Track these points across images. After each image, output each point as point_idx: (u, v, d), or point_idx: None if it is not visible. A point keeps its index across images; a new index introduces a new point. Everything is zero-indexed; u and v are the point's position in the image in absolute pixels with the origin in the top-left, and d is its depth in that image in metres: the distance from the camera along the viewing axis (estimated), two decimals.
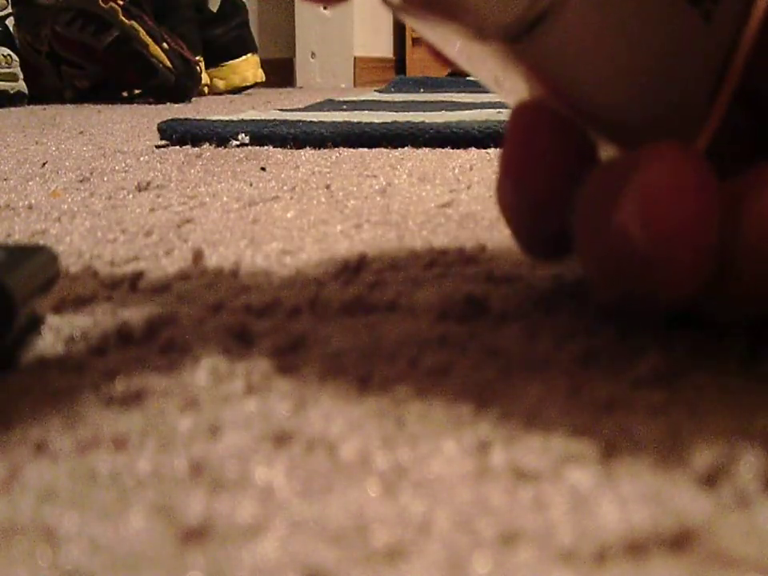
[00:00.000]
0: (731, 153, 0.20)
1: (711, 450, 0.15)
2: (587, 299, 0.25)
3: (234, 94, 1.95)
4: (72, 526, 0.13)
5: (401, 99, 1.31)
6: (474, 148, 0.64)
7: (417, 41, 2.59)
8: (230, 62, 1.98)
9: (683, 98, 0.20)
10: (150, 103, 1.48)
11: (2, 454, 0.16)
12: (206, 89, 1.84)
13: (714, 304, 0.20)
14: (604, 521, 0.13)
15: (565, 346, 0.21)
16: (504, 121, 0.22)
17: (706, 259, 0.18)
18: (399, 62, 2.72)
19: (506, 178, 0.22)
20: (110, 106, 1.41)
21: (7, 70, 1.46)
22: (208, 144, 0.68)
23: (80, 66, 1.58)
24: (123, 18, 1.52)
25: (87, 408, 0.18)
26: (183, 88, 1.53)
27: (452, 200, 0.42)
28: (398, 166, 0.55)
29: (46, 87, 1.58)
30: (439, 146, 0.65)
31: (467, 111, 0.87)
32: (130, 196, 0.46)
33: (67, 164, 0.60)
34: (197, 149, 0.66)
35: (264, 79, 2.05)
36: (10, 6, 1.57)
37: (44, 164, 0.60)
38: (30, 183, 0.51)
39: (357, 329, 0.23)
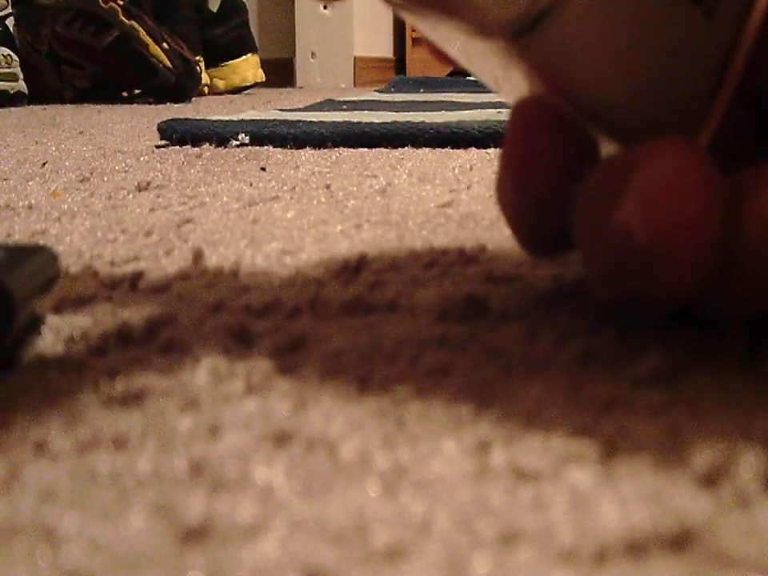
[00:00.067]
0: (732, 151, 0.20)
1: (711, 450, 0.15)
2: (587, 299, 0.25)
3: (234, 93, 1.95)
4: (72, 526, 0.13)
5: (401, 99, 1.31)
6: (473, 148, 0.64)
7: (417, 41, 2.60)
8: (230, 62, 1.98)
9: (684, 95, 0.20)
10: (150, 103, 1.48)
11: (1, 454, 0.16)
12: (206, 89, 1.84)
13: (715, 301, 0.20)
14: (604, 521, 0.13)
15: (565, 346, 0.21)
16: (504, 121, 0.22)
17: (707, 256, 0.18)
18: (399, 62, 2.72)
19: (506, 175, 0.22)
20: (110, 106, 1.41)
21: (7, 70, 1.46)
22: (208, 144, 0.68)
23: (80, 66, 1.58)
24: (123, 18, 1.52)
25: (87, 408, 0.18)
26: (183, 88, 1.53)
27: (452, 200, 0.42)
28: (398, 166, 0.55)
29: (46, 87, 1.58)
30: (439, 146, 0.65)
31: (467, 111, 0.87)
32: (130, 196, 0.46)
33: (67, 164, 0.60)
34: (197, 149, 0.66)
35: (264, 79, 2.05)
36: (9, 6, 1.57)
37: (44, 164, 0.60)
38: (30, 183, 0.51)
39: (357, 329, 0.23)
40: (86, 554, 0.13)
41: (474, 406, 0.18)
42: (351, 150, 0.65)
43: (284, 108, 1.07)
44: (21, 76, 1.49)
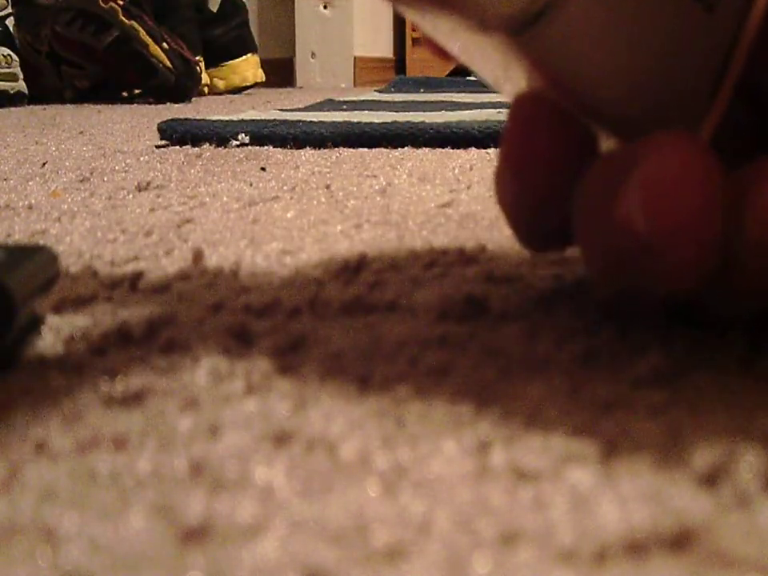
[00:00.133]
0: (732, 149, 0.20)
1: (711, 450, 0.15)
2: (587, 299, 0.25)
3: (234, 93, 1.95)
4: (72, 526, 0.13)
5: (401, 99, 1.31)
6: (473, 148, 0.64)
7: (417, 41, 2.60)
8: (230, 62, 1.98)
9: (685, 91, 0.20)
10: (150, 103, 1.48)
11: (2, 454, 0.16)
12: (205, 89, 1.84)
13: (716, 298, 0.20)
14: (604, 521, 0.13)
15: (565, 346, 0.21)
16: (504, 121, 0.22)
17: (709, 252, 0.18)
18: (399, 62, 2.72)
19: (506, 171, 0.22)
20: (110, 106, 1.41)
21: (7, 70, 1.46)
22: (208, 144, 0.68)
23: (80, 66, 1.58)
24: (123, 18, 1.52)
25: (87, 408, 0.18)
26: (183, 88, 1.53)
27: (452, 200, 0.42)
28: (398, 166, 0.55)
29: (46, 87, 1.58)
30: (439, 146, 0.65)
31: (467, 111, 0.87)
32: (130, 196, 0.46)
33: (67, 164, 0.60)
34: (197, 149, 0.66)
35: (264, 79, 2.05)
36: (9, 6, 1.57)
37: (44, 164, 0.60)
38: (30, 183, 0.51)
39: (357, 329, 0.23)
40: (86, 554, 0.13)
41: (474, 405, 0.18)
42: (351, 150, 0.65)
43: (284, 108, 1.07)
44: (21, 76, 1.49)
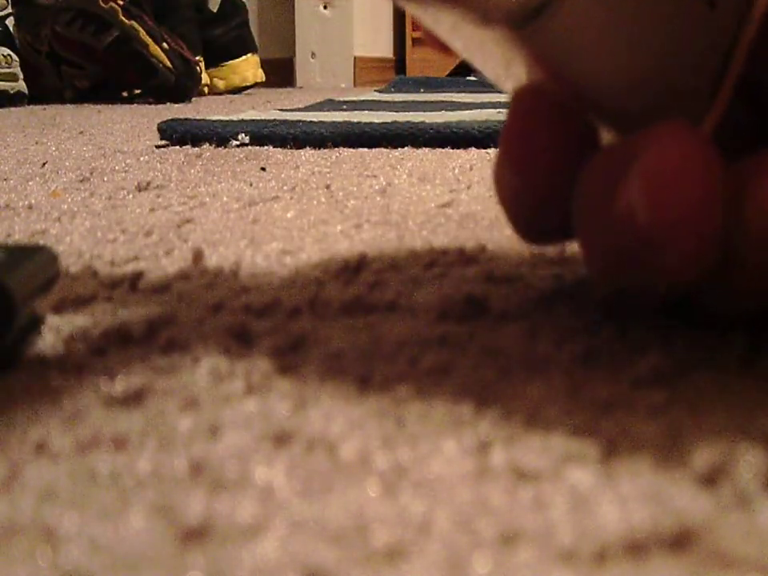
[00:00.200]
0: (733, 149, 0.20)
1: (711, 450, 0.15)
2: (587, 299, 0.25)
3: (234, 93, 1.95)
4: (72, 526, 0.13)
5: (401, 99, 1.31)
6: (473, 148, 0.64)
7: (417, 41, 2.60)
8: (230, 61, 1.98)
9: (686, 88, 0.20)
10: (150, 103, 1.48)
11: (2, 453, 0.16)
12: (205, 89, 1.84)
13: (716, 294, 0.20)
14: (604, 521, 0.13)
15: (565, 346, 0.21)
16: (504, 120, 0.22)
17: (709, 245, 0.18)
18: (399, 62, 2.72)
19: (505, 165, 0.22)
20: (110, 106, 1.41)
21: (7, 70, 1.46)
22: (208, 144, 0.68)
23: (80, 66, 1.58)
24: (123, 18, 1.52)
25: (87, 408, 0.18)
26: (183, 88, 1.53)
27: (452, 200, 0.42)
28: (398, 166, 0.55)
29: (46, 87, 1.58)
30: (439, 146, 0.65)
31: (467, 111, 0.87)
32: (130, 196, 0.46)
33: (67, 164, 0.60)
34: (197, 149, 0.66)
35: (264, 79, 2.05)
36: (9, 6, 1.57)
37: (44, 164, 0.60)
38: (30, 183, 0.51)
39: (357, 329, 0.23)
40: (86, 554, 0.13)
41: (474, 405, 0.18)
42: (351, 150, 0.65)
43: (284, 108, 1.07)
44: (21, 76, 1.49)
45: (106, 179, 0.52)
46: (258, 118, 0.81)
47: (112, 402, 0.19)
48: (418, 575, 0.12)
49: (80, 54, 1.56)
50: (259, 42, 2.19)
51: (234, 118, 0.81)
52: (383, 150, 0.65)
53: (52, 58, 1.59)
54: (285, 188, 0.47)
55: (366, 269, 0.29)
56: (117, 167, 0.57)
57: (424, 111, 0.91)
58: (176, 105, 1.44)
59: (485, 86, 1.57)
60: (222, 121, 0.76)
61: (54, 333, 0.23)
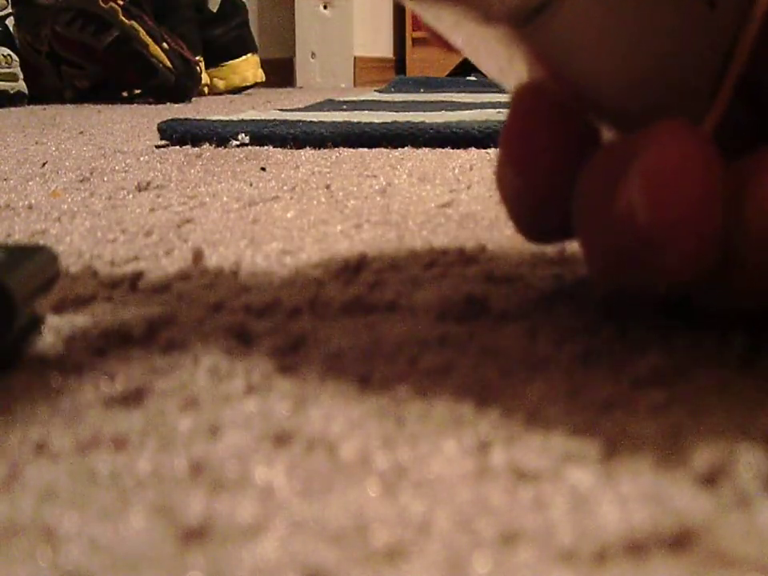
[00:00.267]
0: (733, 148, 0.20)
1: (711, 450, 0.15)
2: (587, 299, 0.25)
3: (234, 93, 1.95)
4: (72, 526, 0.13)
5: (401, 99, 1.31)
6: (473, 148, 0.64)
7: (417, 41, 2.60)
8: (230, 61, 1.98)
9: (686, 88, 0.20)
10: (150, 103, 1.48)
11: (1, 453, 0.16)
12: (205, 89, 1.84)
13: (716, 295, 0.20)
14: (604, 521, 0.13)
15: (565, 346, 0.21)
16: (504, 120, 0.22)
17: (709, 245, 0.18)
18: (399, 62, 2.72)
19: (507, 164, 0.22)
20: (110, 106, 1.41)
21: (7, 70, 1.46)
22: (208, 144, 0.68)
23: (80, 66, 1.58)
24: (123, 18, 1.52)
25: (87, 408, 0.18)
26: (183, 88, 1.53)
27: (452, 200, 0.42)
28: (398, 166, 0.55)
29: (46, 87, 1.58)
30: (439, 146, 0.65)
31: (467, 111, 0.87)
32: (130, 196, 0.46)
33: (67, 164, 0.60)
34: (197, 149, 0.66)
35: (264, 79, 2.04)
36: (9, 6, 1.57)
37: (44, 164, 0.60)
38: (30, 183, 0.51)
39: (357, 329, 0.23)
40: (85, 554, 0.13)
41: (474, 405, 0.18)
42: (351, 150, 0.65)
43: (284, 108, 1.07)
44: (21, 76, 1.49)
45: (105, 179, 0.52)
46: (258, 117, 0.81)
47: (112, 402, 0.19)
48: (417, 575, 0.12)
49: (80, 53, 1.56)
50: (259, 42, 2.19)
51: (234, 118, 0.81)
52: (383, 150, 0.65)
53: (52, 58, 1.59)
54: (285, 188, 0.47)
55: (366, 269, 0.29)
56: (117, 167, 0.57)
57: (424, 111, 0.91)
58: (176, 105, 1.44)
59: (485, 85, 1.57)
60: (222, 121, 0.76)
61: (54, 333, 0.23)
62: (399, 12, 2.63)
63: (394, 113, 0.89)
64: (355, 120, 0.76)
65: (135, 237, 0.35)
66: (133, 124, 0.98)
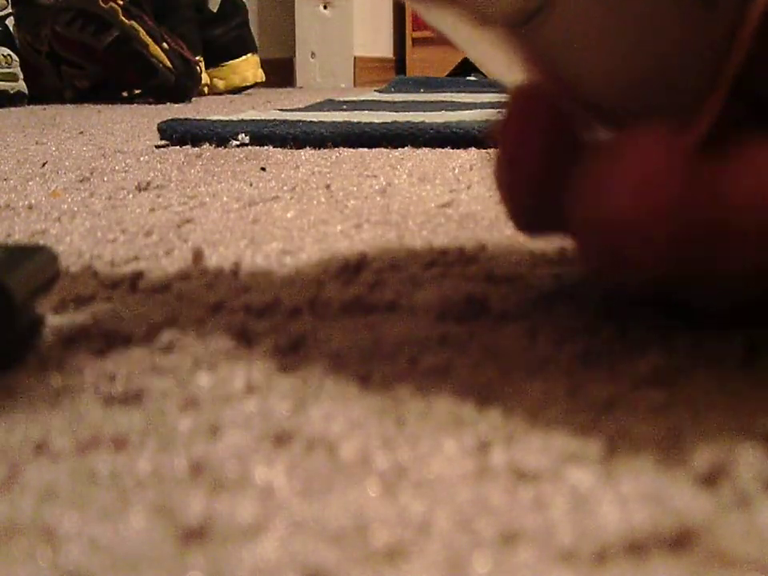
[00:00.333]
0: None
1: (711, 450, 0.15)
2: (587, 299, 0.25)
3: (234, 93, 1.95)
4: (72, 526, 0.13)
5: (401, 99, 1.31)
6: (473, 148, 0.64)
7: (417, 41, 2.60)
8: (230, 61, 1.98)
9: (683, 88, 0.20)
10: (150, 103, 1.48)
11: (1, 454, 0.16)
12: (205, 89, 1.84)
13: (708, 289, 0.20)
14: (604, 521, 0.13)
15: (565, 346, 0.21)
16: (500, 119, 0.22)
17: (686, 228, 0.19)
18: (399, 62, 2.72)
19: (503, 165, 0.23)
20: (110, 106, 1.41)
21: (7, 70, 1.46)
22: (208, 144, 0.68)
23: (80, 66, 1.57)
24: (123, 18, 1.52)
25: (87, 408, 0.18)
26: (183, 88, 1.53)
27: (452, 200, 0.42)
28: (398, 166, 0.55)
29: (46, 87, 1.58)
30: (439, 146, 0.65)
31: (467, 111, 0.87)
32: (130, 196, 0.46)
33: (67, 164, 0.60)
34: (197, 149, 0.66)
35: (264, 79, 2.04)
36: (9, 6, 1.57)
37: (44, 164, 0.60)
38: (30, 183, 0.51)
39: (357, 329, 0.23)
40: (85, 554, 0.13)
41: (474, 405, 0.18)
42: (351, 150, 0.65)
43: (284, 108, 1.07)
44: (21, 76, 1.49)
45: (106, 179, 0.52)
46: (258, 117, 0.81)
47: (112, 402, 0.19)
48: (417, 575, 0.12)
49: (80, 53, 1.56)
50: (259, 42, 2.19)
51: (234, 118, 0.81)
52: (383, 150, 0.65)
53: (52, 58, 1.59)
54: (285, 188, 0.47)
55: (366, 269, 0.29)
56: (117, 167, 0.57)
57: (424, 111, 0.91)
58: (176, 105, 1.44)
59: (485, 85, 1.57)
60: (222, 121, 0.76)
61: (54, 333, 0.23)
62: (399, 12, 2.63)
63: (394, 113, 0.89)
64: (355, 120, 0.76)
65: (135, 237, 0.35)
66: (133, 124, 0.98)
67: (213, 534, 0.13)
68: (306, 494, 0.14)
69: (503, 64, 0.22)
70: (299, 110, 1.03)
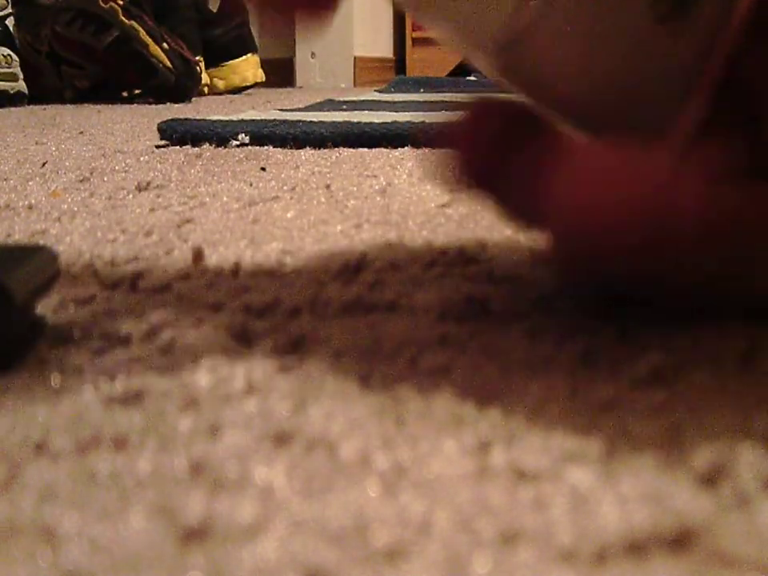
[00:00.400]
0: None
1: (711, 450, 0.15)
2: (587, 299, 0.25)
3: (234, 93, 1.95)
4: (72, 526, 0.13)
5: (401, 99, 1.31)
6: None
7: (417, 41, 2.60)
8: (230, 61, 1.98)
9: (655, 100, 0.21)
10: (150, 103, 1.48)
11: (1, 454, 0.16)
12: (205, 89, 1.84)
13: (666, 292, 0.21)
14: (604, 521, 0.13)
15: (565, 346, 0.21)
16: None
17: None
18: (399, 62, 2.72)
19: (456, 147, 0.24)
20: (110, 106, 1.41)
21: (7, 70, 1.46)
22: (208, 144, 0.68)
23: (80, 66, 1.57)
24: (123, 18, 1.52)
25: (87, 408, 0.18)
26: (183, 88, 1.53)
27: (452, 200, 0.42)
28: (398, 166, 0.55)
29: (46, 87, 1.58)
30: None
31: None
32: (130, 196, 0.46)
33: (67, 164, 0.60)
34: (197, 149, 0.66)
35: (264, 79, 2.04)
36: (9, 6, 1.57)
37: (44, 164, 0.60)
38: (30, 183, 0.51)
39: (357, 329, 0.23)
40: (86, 554, 0.13)
41: (474, 405, 0.18)
42: (351, 150, 0.65)
43: (284, 108, 1.07)
44: (21, 76, 1.49)
45: (106, 179, 0.52)
46: (258, 117, 0.81)
47: (112, 402, 0.19)
48: (417, 575, 0.12)
49: (80, 54, 1.56)
50: (259, 42, 2.19)
51: (234, 117, 0.81)
52: (383, 150, 0.65)
53: (52, 58, 1.59)
54: (285, 188, 0.47)
55: (366, 269, 0.29)
56: (117, 167, 0.57)
57: (424, 111, 0.90)
58: (176, 105, 1.44)
59: (485, 86, 1.57)
60: (222, 121, 0.76)
61: (54, 333, 0.23)
62: (399, 12, 2.63)
63: (394, 113, 0.89)
64: (355, 120, 0.76)
65: (135, 237, 0.35)
66: (133, 124, 0.98)
67: (213, 534, 0.13)
68: (305, 493, 0.14)
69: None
70: (299, 109, 1.03)
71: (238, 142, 0.67)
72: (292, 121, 0.76)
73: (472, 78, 1.93)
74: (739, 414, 0.17)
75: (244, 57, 2.00)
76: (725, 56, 0.20)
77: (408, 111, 0.92)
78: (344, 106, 1.09)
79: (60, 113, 1.22)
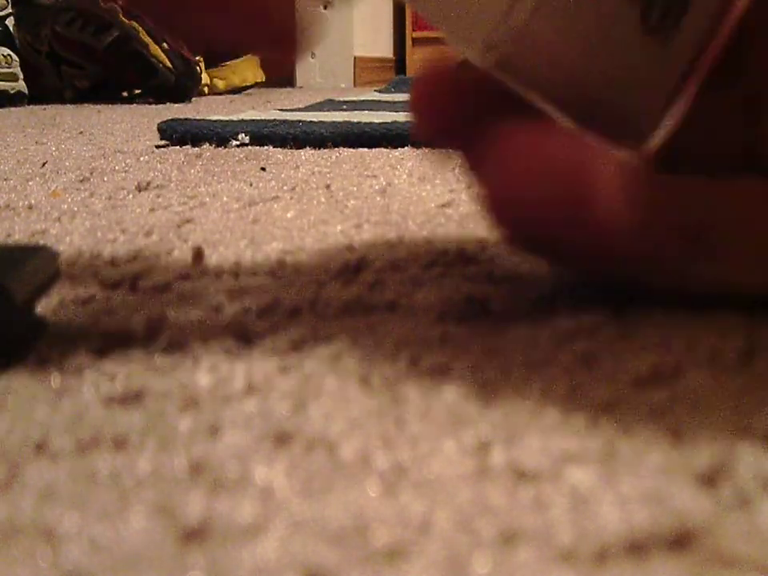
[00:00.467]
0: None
1: (711, 450, 0.15)
2: (587, 299, 0.25)
3: (234, 93, 1.95)
4: (72, 526, 0.13)
5: (401, 99, 1.31)
6: None
7: (417, 41, 2.60)
8: (230, 62, 1.98)
9: (642, 102, 0.21)
10: (150, 103, 1.48)
11: (1, 454, 0.16)
12: (205, 89, 1.84)
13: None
14: (604, 521, 0.13)
15: (565, 346, 0.21)
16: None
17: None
18: (399, 62, 2.72)
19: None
20: (110, 106, 1.41)
21: (7, 70, 1.46)
22: (208, 144, 0.68)
23: (80, 66, 1.57)
24: (123, 18, 1.52)
25: (87, 408, 0.18)
26: (183, 88, 1.53)
27: (452, 200, 0.42)
28: (398, 166, 0.55)
29: (46, 87, 1.58)
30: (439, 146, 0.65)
31: None
32: (130, 196, 0.46)
33: (67, 164, 0.60)
34: (197, 149, 0.66)
35: (264, 79, 2.04)
36: (9, 6, 1.57)
37: (44, 164, 0.60)
38: (30, 183, 0.51)
39: (357, 329, 0.23)
40: (86, 554, 0.13)
41: (474, 405, 0.18)
42: (351, 150, 0.65)
43: (284, 108, 1.07)
44: (21, 76, 1.49)
45: (106, 179, 0.52)
46: (258, 117, 0.81)
47: (112, 402, 0.19)
48: (417, 575, 0.12)
49: (80, 53, 1.56)
50: None
51: (234, 117, 0.81)
52: (383, 150, 0.65)
53: (52, 58, 1.59)
54: (285, 188, 0.47)
55: (366, 269, 0.29)
56: (117, 167, 0.57)
57: None
58: (176, 105, 1.44)
59: None
60: (222, 121, 0.76)
61: (54, 333, 0.23)
62: (399, 12, 2.63)
63: (394, 113, 0.89)
64: (355, 120, 0.76)
65: (135, 237, 0.35)
66: (133, 124, 0.98)
67: (213, 534, 0.13)
68: (306, 493, 0.14)
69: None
70: (299, 109, 1.03)
71: (237, 142, 0.67)
72: (292, 121, 0.76)
73: None
74: (739, 414, 0.17)
75: (244, 57, 2.00)
76: (709, 63, 0.20)
77: (408, 111, 0.92)
78: (344, 106, 1.09)
79: (60, 113, 1.22)
